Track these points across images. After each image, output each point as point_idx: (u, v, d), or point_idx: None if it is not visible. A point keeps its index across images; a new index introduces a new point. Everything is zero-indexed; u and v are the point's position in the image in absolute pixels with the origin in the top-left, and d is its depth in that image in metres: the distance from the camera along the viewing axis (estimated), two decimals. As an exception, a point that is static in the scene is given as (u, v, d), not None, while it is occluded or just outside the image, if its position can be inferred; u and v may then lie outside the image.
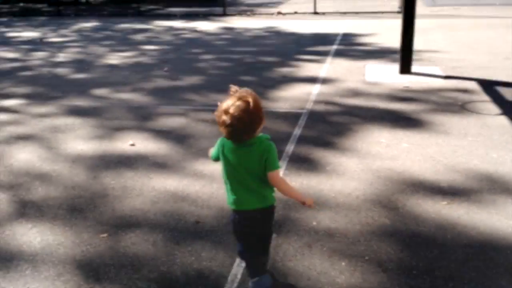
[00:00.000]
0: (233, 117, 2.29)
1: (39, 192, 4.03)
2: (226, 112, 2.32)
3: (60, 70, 8.63)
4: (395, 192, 3.82)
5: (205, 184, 4.07)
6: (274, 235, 2.90)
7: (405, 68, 7.43)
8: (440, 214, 3.46)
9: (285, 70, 8.10)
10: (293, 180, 4.07)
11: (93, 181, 4.20)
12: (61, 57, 9.92)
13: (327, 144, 4.87)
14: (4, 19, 17.98)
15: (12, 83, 7.77)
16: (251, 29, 13.07)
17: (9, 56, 10.19)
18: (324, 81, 7.28)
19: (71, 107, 6.38)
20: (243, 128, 2.33)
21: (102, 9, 19.65)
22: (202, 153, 4.72)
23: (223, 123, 2.33)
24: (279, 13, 16.28)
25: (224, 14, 16.54)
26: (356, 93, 6.56)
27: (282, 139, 5.00)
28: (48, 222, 3.54)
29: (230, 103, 2.33)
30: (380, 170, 4.20)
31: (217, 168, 4.31)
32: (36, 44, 11.58)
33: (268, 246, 2.70)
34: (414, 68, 7.51)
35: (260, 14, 16.62)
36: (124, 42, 11.63)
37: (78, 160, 4.67)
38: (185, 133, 5.31)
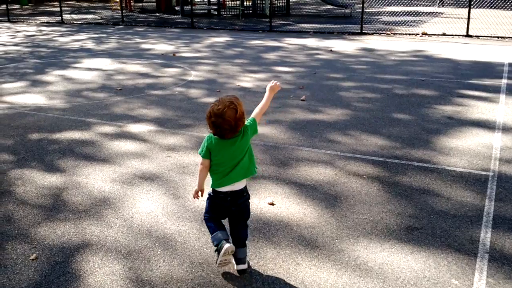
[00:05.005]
0: (223, 120, 2.81)
1: (160, 267, 3.20)
2: (216, 115, 2.82)
3: (192, 92, 8.06)
4: None
5: (374, 286, 2.95)
6: None
7: None
8: None
9: (448, 108, 6.72)
10: (507, 300, 2.80)
11: (225, 258, 3.28)
12: (193, 75, 9.42)
13: (540, 235, 3.50)
14: (141, 29, 18.41)
15: (142, 103, 7.31)
16: (395, 52, 11.70)
17: (142, 70, 9.94)
18: (506, 129, 5.80)
19: (200, 140, 5.62)
20: (229, 129, 2.85)
21: (234, 23, 19.42)
22: (362, 229, 3.61)
23: (213, 124, 2.85)
24: (424, 34, 14.66)
25: (361, 33, 15.30)
26: (557, 153, 5.03)
27: (469, 218, 3.73)
28: (169, 325, 2.66)
29: (220, 108, 2.81)
30: None
31: (388, 261, 2.96)
32: (168, 59, 11.31)
33: None
34: None
35: (401, 34, 15.11)
36: (256, 61, 10.93)
37: (207, 219, 3.80)
38: (335, 193, 4.23)
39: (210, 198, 3.11)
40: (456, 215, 3.80)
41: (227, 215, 3.12)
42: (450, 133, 5.71)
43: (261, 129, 5.99)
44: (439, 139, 5.50)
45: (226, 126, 2.82)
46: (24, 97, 7.82)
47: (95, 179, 4.60)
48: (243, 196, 3.06)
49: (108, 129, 6.12)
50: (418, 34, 14.74)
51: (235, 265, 3.11)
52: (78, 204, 4.10)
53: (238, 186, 3.03)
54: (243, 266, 3.10)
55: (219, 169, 2.98)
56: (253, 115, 3.12)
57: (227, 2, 24.59)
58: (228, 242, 2.98)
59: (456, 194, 4.16)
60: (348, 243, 3.44)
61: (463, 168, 4.70)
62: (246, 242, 3.15)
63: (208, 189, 3.12)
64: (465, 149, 5.17)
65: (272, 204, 4.04)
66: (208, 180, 3.08)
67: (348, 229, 3.62)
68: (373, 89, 7.96)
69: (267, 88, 3.25)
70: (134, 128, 6.14)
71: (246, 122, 2.99)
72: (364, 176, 4.56)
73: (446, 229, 3.60)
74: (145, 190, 4.35)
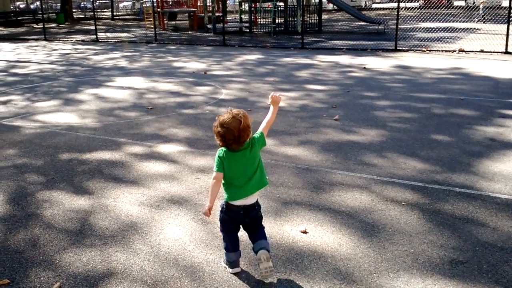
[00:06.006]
0: (227, 130, 2.97)
1: (186, 300, 3.03)
2: (222, 125, 2.99)
3: (222, 111, 7.94)
4: None
5: (417, 328, 2.71)
6: None
7: None
8: None
9: (490, 130, 6.39)
10: None
11: (255, 292, 3.10)
12: (224, 93, 9.34)
13: None
14: (173, 47, 18.59)
15: (173, 122, 7.24)
16: (431, 69, 11.38)
17: (173, 89, 9.93)
18: (554, 152, 5.45)
19: (232, 162, 5.48)
20: (233, 139, 2.99)
21: (265, 41, 19.40)
22: (402, 262, 3.37)
23: (218, 134, 3.01)
24: (461, 50, 14.26)
25: (395, 49, 15.01)
26: None
27: (520, 253, 3.43)
28: None
29: (226, 119, 2.99)
30: None
31: None
32: (199, 77, 11.30)
33: None
34: None
35: (437, 50, 14.74)
36: (288, 79, 10.79)
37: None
38: (372, 221, 4.00)
39: (223, 212, 3.24)
40: (503, 247, 3.52)
41: (241, 225, 3.27)
42: (493, 156, 5.40)
43: (292, 150, 5.82)
44: (482, 163, 5.20)
45: (230, 136, 2.97)
46: (57, 116, 7.87)
47: (123, 202, 4.50)
48: (254, 209, 3.21)
49: (138, 149, 6.05)
50: (454, 50, 14.35)
51: (256, 252, 3.17)
52: (105, 229, 3.99)
53: (250, 200, 3.17)
54: (264, 252, 3.14)
55: (233, 183, 3.13)
56: (260, 128, 3.26)
57: (259, 20, 24.65)
58: (236, 267, 3.28)
59: (502, 224, 3.87)
60: (388, 278, 3.20)
61: (508, 195, 4.39)
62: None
63: (220, 202, 3.28)
64: (510, 174, 4.86)
65: (305, 232, 3.83)
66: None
67: (387, 262, 3.38)
68: (409, 108, 7.69)
69: (269, 102, 3.37)
70: (164, 148, 6.05)
71: (254, 135, 3.16)
72: (403, 203, 4.31)
73: (493, 263, 3.32)
74: (173, 215, 4.22)
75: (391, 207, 4.24)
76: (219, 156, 3.11)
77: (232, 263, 3.29)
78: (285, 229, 3.90)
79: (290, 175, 5.04)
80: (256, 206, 3.21)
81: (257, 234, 3.24)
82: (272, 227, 3.91)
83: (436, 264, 3.35)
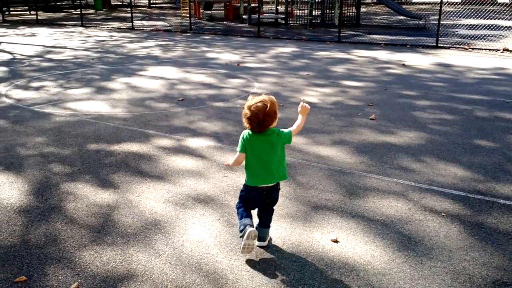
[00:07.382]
0: (252, 113, 3.17)
1: (207, 311, 2.86)
2: (249, 108, 3.19)
3: (254, 105, 7.74)
4: None
5: None
6: None
7: None
8: None
9: (538, 137, 5.99)
10: None
11: (280, 306, 2.89)
12: (256, 87, 9.12)
13: None
14: (207, 37, 18.44)
15: (202, 115, 7.08)
16: (474, 69, 10.87)
17: (205, 80, 9.77)
18: None
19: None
20: (258, 122, 3.18)
21: (301, 33, 19.04)
22: (440, 281, 3.11)
23: (245, 115, 3.22)
24: (505, 50, 13.62)
25: (436, 46, 14.46)
26: None
27: None
28: None
29: (253, 103, 3.20)
30: None
31: None
32: (232, 69, 11.10)
33: None
34: None
35: (481, 49, 14.12)
36: (323, 74, 10.48)
37: (263, 254, 3.43)
38: (409, 232, 3.74)
39: (245, 191, 3.42)
40: (557, 272, 3.21)
41: (260, 205, 3.44)
42: (542, 166, 5.03)
43: (325, 150, 5.57)
44: (530, 173, 4.85)
45: (255, 119, 3.17)
46: (88, 104, 7.82)
47: (147, 198, 4.36)
48: (276, 189, 3.42)
49: (166, 142, 5.91)
50: (498, 49, 13.71)
51: (256, 242, 3.40)
52: (127, 226, 3.86)
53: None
54: (262, 243, 3.49)
55: (254, 167, 3.30)
56: (290, 128, 3.43)
57: (295, 11, 24.24)
58: (252, 227, 3.23)
59: (554, 244, 3.55)
60: (425, 298, 2.95)
61: (561, 211, 4.05)
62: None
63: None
64: (562, 188, 4.50)
65: (336, 241, 3.61)
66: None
67: (424, 280, 3.13)
68: (451, 109, 7.31)
69: (298, 111, 3.50)
70: (192, 142, 5.89)
71: (284, 130, 3.35)
72: (443, 214, 4.02)
73: (544, 290, 3.03)
74: (198, 214, 4.05)
75: (430, 217, 3.96)
76: (243, 138, 3.31)
77: (247, 225, 3.25)
78: (314, 236, 3.68)
79: (322, 177, 4.81)
80: (278, 187, 3.42)
81: (266, 219, 3.48)
82: (301, 234, 3.70)
83: (478, 284, 3.08)
